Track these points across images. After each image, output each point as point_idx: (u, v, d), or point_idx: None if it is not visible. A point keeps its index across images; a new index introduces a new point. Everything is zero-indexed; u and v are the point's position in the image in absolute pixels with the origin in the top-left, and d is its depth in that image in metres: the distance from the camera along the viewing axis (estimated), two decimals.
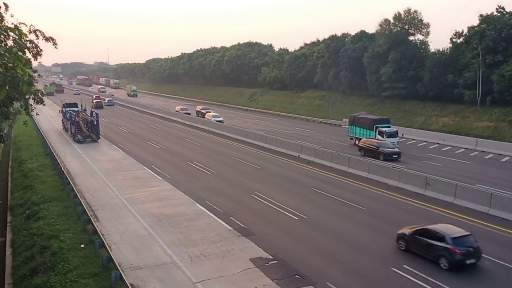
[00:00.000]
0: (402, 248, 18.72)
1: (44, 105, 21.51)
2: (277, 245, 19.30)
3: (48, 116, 69.36)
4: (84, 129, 48.02)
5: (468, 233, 17.56)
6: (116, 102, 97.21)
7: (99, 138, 47.16)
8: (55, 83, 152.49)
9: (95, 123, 47.00)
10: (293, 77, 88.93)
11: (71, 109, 54.84)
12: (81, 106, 60.64)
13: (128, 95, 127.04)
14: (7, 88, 7.01)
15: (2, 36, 7.23)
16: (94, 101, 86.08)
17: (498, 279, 16.53)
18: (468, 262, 16.78)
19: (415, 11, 63.64)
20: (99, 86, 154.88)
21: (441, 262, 16.99)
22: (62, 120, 57.33)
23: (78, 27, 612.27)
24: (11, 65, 6.87)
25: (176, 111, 75.20)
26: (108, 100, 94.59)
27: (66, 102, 63.05)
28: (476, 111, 52.96)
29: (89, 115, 52.15)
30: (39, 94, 19.38)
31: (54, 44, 12.95)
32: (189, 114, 71.05)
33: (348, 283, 16.09)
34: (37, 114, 25.79)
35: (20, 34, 7.28)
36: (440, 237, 17.26)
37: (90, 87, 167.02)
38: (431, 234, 17.70)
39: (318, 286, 15.76)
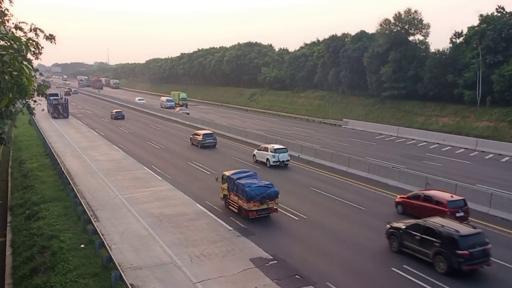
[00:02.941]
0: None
1: (46, 97, 22.08)
2: (277, 245, 19.30)
3: (48, 116, 69.47)
4: (60, 110, 70.29)
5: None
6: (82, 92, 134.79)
7: (68, 116, 70.67)
8: (45, 80, 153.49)
9: (66, 106, 71.30)
10: (293, 77, 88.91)
11: (53, 97, 71.54)
12: (60, 95, 79.72)
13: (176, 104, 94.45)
14: (10, 95, 7.03)
15: (5, 43, 7.22)
16: (65, 90, 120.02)
17: (498, 279, 16.52)
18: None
19: (415, 11, 63.65)
20: (164, 98, 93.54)
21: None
22: (46, 105, 71.52)
23: (78, 27, 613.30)
24: (16, 73, 6.88)
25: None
26: (74, 90, 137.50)
27: (49, 92, 76.97)
28: (476, 111, 52.94)
29: (63, 101, 72.86)
30: (42, 88, 19.77)
31: (53, 41, 12.98)
32: None
33: (348, 283, 16.09)
34: (42, 110, 28.37)
35: (27, 44, 7.28)
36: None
37: (101, 90, 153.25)
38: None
39: (318, 286, 15.76)
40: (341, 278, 16.39)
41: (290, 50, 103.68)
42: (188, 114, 71.70)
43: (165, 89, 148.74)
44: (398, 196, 24.65)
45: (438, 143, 46.98)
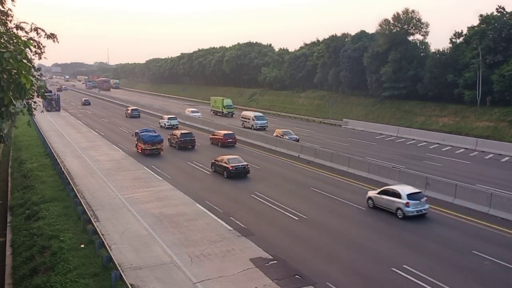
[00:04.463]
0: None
1: (45, 99, 22.17)
2: (277, 245, 19.30)
3: (48, 116, 69.46)
4: (53, 104, 78.70)
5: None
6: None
7: (60, 110, 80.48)
8: (40, 79, 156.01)
9: (58, 101, 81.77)
10: (293, 77, 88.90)
11: (47, 93, 76.17)
12: (53, 92, 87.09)
13: (216, 113, 77.14)
14: (10, 94, 7.04)
15: (5, 42, 7.22)
16: (57, 87, 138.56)
17: (498, 279, 16.54)
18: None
19: (413, 11, 63.67)
20: (251, 114, 61.83)
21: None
22: (42, 101, 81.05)
23: (78, 27, 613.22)
24: (15, 71, 6.89)
25: None
26: (63, 87, 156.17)
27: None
28: (476, 111, 52.93)
29: (56, 97, 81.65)
30: (42, 90, 19.83)
31: (55, 40, 12.97)
32: None
33: (348, 283, 16.09)
34: (42, 112, 29.44)
35: (26, 43, 7.28)
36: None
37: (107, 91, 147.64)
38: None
39: (318, 286, 15.76)
40: (341, 278, 16.38)
41: (290, 50, 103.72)
42: (298, 140, 44.61)
43: (165, 89, 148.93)
44: (210, 136, 46.74)
45: (438, 143, 46.98)
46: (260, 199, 26.13)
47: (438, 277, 16.30)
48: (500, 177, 31.91)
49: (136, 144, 40.72)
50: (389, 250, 18.97)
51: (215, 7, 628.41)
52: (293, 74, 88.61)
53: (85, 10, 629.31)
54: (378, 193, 24.15)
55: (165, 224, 21.82)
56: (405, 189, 23.13)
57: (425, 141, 48.48)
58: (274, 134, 46.98)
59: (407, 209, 22.24)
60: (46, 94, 66.86)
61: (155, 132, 41.47)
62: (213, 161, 33.47)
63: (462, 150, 43.57)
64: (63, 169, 31.83)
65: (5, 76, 6.88)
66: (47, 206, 24.27)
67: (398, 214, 22.65)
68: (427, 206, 22.88)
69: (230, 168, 30.97)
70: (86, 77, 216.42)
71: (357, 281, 16.27)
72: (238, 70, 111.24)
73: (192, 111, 72.32)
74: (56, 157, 36.40)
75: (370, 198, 24.58)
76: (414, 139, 50.03)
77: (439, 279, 16.11)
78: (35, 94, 19.80)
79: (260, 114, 62.86)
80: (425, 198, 23.09)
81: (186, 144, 42.37)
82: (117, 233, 20.66)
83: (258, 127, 56.72)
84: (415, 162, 37.25)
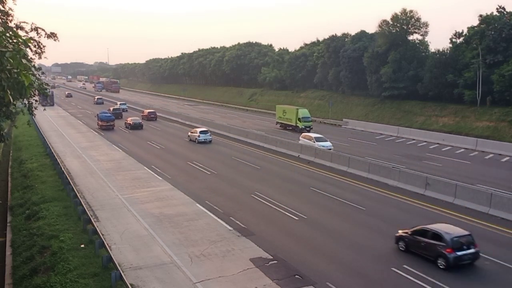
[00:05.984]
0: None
1: (47, 95, 22.47)
2: (277, 245, 19.30)
3: (48, 116, 69.49)
4: (48, 100, 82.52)
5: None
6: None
7: (54, 104, 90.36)
8: (38, 79, 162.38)
9: (52, 96, 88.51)
10: (293, 77, 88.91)
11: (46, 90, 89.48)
12: (48, 89, 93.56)
13: (285, 127, 57.34)
14: (10, 92, 7.05)
15: (5, 42, 7.22)
16: (50, 85, 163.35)
17: (498, 279, 16.54)
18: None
19: (411, 11, 63.63)
20: None
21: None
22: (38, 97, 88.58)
23: (78, 27, 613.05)
24: (15, 70, 6.91)
25: None
26: (57, 85, 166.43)
27: None
28: (476, 111, 52.92)
29: (50, 93, 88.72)
30: (44, 87, 19.98)
31: (55, 38, 13.02)
32: None
33: (348, 283, 16.09)
34: (44, 109, 35.68)
35: (25, 41, 7.29)
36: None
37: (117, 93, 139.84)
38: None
39: (318, 286, 15.77)
40: (341, 278, 16.39)
41: (290, 50, 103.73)
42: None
43: (165, 89, 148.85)
44: (141, 114, 68.66)
45: (438, 143, 46.97)
46: (260, 199, 26.13)
47: (437, 276, 16.30)
48: (500, 177, 31.91)
49: (97, 122, 57.94)
50: (389, 250, 18.92)
51: (216, 7, 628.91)
52: (293, 74, 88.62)
53: (85, 10, 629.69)
54: (191, 133, 47.83)
55: (165, 224, 21.82)
56: (199, 129, 47.85)
57: (425, 141, 48.47)
58: None
59: (199, 138, 45.97)
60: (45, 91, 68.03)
61: (109, 113, 60.26)
62: (125, 121, 58.62)
63: (462, 150, 43.57)
64: (63, 169, 31.83)
65: (3, 76, 6.90)
66: (47, 206, 24.28)
67: (196, 141, 46.19)
68: (210, 137, 46.47)
69: (131, 123, 56.34)
70: (86, 77, 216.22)
71: (357, 281, 16.27)
72: (238, 70, 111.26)
73: (317, 139, 41.63)
74: (56, 157, 36.40)
75: (188, 136, 47.95)
76: (414, 139, 50.02)
77: (439, 279, 16.12)
78: (37, 92, 19.89)
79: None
80: (209, 134, 46.85)
81: (117, 115, 64.07)
82: (117, 233, 20.66)
83: None
84: (415, 162, 37.25)
